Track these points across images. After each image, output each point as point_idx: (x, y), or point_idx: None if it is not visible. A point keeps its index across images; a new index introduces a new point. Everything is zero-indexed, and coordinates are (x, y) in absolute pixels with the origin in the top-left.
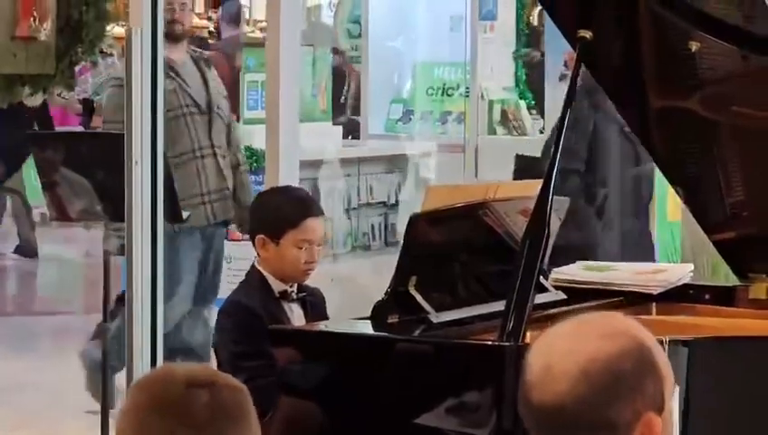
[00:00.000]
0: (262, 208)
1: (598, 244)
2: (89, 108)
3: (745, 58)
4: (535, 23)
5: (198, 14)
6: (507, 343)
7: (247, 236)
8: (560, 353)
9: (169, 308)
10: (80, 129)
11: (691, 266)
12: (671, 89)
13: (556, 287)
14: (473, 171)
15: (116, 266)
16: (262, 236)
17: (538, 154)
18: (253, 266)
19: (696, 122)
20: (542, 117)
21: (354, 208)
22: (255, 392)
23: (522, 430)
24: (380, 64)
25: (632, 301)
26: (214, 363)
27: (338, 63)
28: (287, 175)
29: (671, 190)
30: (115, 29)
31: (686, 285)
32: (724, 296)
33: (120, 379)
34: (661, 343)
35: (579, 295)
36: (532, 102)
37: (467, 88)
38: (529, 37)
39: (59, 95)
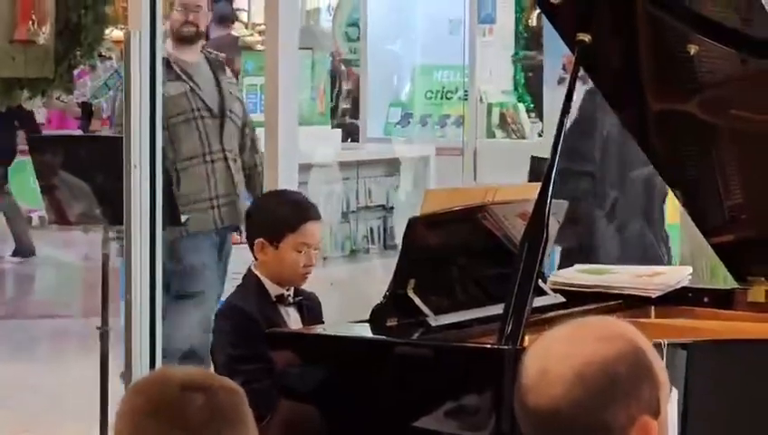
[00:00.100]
0: (260, 212)
1: (608, 248)
2: (87, 111)
3: (744, 61)
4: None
5: None
6: (506, 347)
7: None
8: (555, 357)
9: (197, 310)
10: (78, 132)
11: (689, 269)
12: (670, 92)
13: (555, 290)
14: (471, 174)
15: (114, 270)
16: (261, 239)
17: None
18: (249, 270)
19: (695, 125)
20: (541, 120)
21: (353, 212)
22: (252, 395)
23: (519, 434)
24: (379, 68)
25: (631, 304)
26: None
27: (332, 67)
28: (286, 178)
29: (670, 193)
30: (114, 32)
31: (684, 288)
32: (722, 299)
33: None
34: (660, 346)
35: (577, 299)
36: (531, 106)
37: (466, 91)
38: (528, 40)
39: (58, 99)
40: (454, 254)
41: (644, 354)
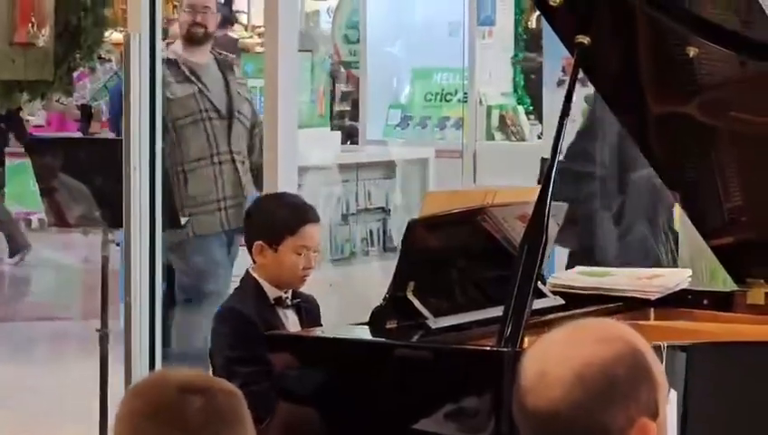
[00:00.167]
0: (259, 215)
1: (614, 250)
2: (87, 114)
3: (743, 64)
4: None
5: None
6: (505, 349)
7: None
8: (554, 359)
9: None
10: (78, 135)
11: (689, 272)
12: (669, 94)
13: (554, 292)
14: (471, 177)
15: (114, 272)
16: (260, 242)
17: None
18: (247, 273)
19: (694, 128)
20: (540, 122)
21: (352, 214)
22: (251, 397)
23: None
24: (379, 70)
25: (630, 306)
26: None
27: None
28: (285, 181)
29: None
30: (113, 35)
31: (684, 291)
32: (722, 302)
33: None
34: (659, 348)
35: (577, 301)
36: (531, 108)
37: (465, 93)
38: (527, 43)
39: (57, 101)
40: (453, 256)
41: (642, 356)
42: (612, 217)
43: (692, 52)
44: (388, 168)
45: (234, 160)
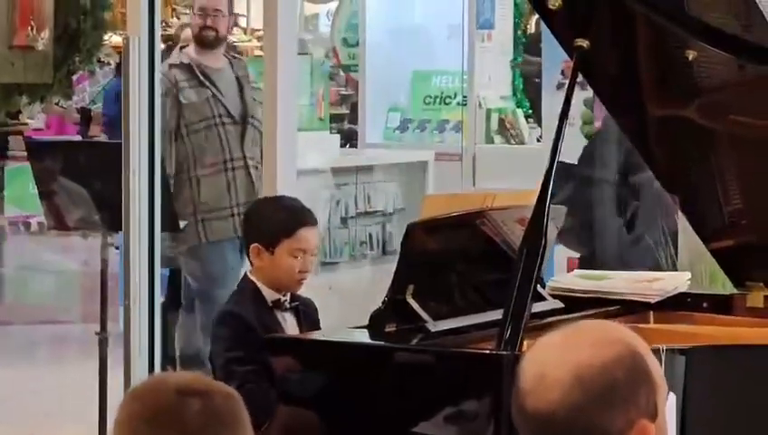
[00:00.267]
0: (256, 218)
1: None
2: (86, 117)
3: (742, 67)
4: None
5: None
6: (504, 352)
7: None
8: (553, 361)
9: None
10: (77, 138)
11: (688, 275)
12: (668, 97)
13: (553, 296)
14: (470, 180)
15: (114, 275)
16: (256, 245)
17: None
18: (245, 276)
19: (694, 131)
20: (539, 125)
21: (352, 217)
22: (248, 396)
23: None
24: (378, 73)
25: (630, 309)
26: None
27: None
28: (285, 184)
29: None
30: (113, 38)
31: (683, 294)
32: (721, 305)
33: None
34: (658, 351)
35: (576, 304)
36: (530, 111)
37: (465, 97)
38: (526, 46)
39: (57, 104)
40: (453, 259)
41: (641, 358)
42: (625, 223)
43: (691, 55)
44: (388, 171)
45: (247, 166)
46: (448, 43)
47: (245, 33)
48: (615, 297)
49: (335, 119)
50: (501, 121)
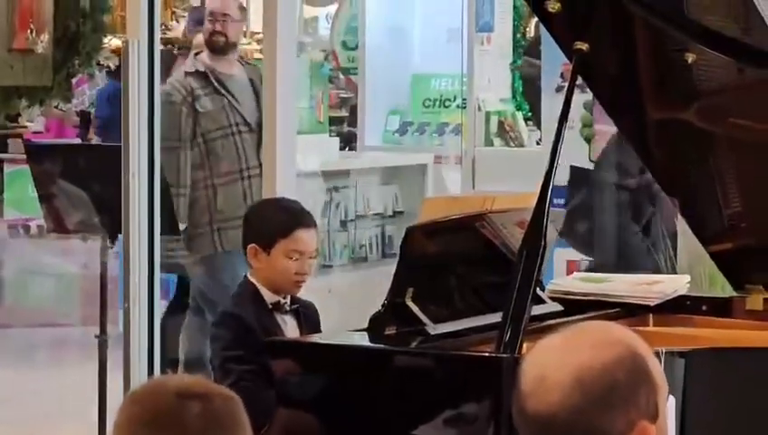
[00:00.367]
0: (255, 218)
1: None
2: (86, 120)
3: (741, 70)
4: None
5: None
6: (504, 355)
7: None
8: (554, 363)
9: None
10: (77, 141)
11: (688, 278)
12: (668, 100)
13: (553, 299)
14: (470, 183)
15: (113, 278)
16: (254, 245)
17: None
18: (245, 278)
19: (693, 134)
20: (539, 128)
21: (351, 220)
22: (244, 394)
23: None
24: (377, 76)
25: (629, 312)
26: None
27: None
28: (284, 187)
29: None
30: (112, 41)
31: (683, 297)
32: (720, 307)
33: None
34: (658, 354)
35: (576, 307)
36: (529, 114)
37: (464, 99)
38: (526, 49)
39: (56, 107)
40: (452, 262)
41: (642, 359)
42: (641, 228)
43: (690, 58)
44: (387, 174)
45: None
46: (448, 46)
47: (245, 36)
48: (614, 300)
49: (334, 122)
50: (500, 124)
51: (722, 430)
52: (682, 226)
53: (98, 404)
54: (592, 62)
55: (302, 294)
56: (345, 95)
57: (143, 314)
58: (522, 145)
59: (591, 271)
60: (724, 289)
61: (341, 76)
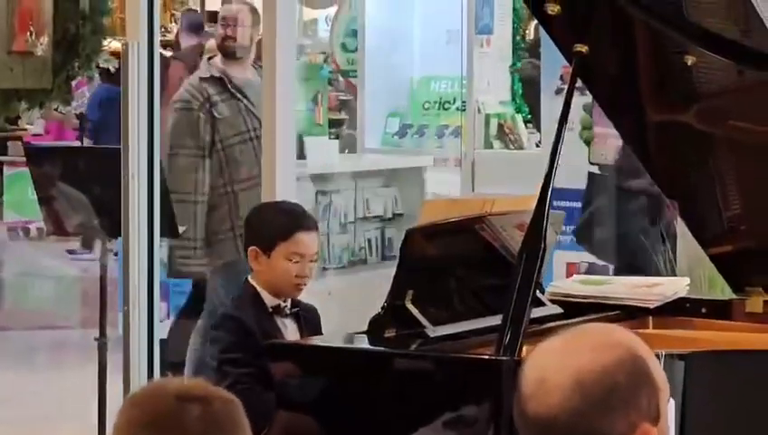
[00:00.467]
0: (255, 221)
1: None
2: (85, 123)
3: (741, 73)
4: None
5: None
6: (504, 358)
7: None
8: (554, 366)
9: None
10: (77, 143)
11: (687, 280)
12: (667, 102)
13: (553, 301)
14: (469, 185)
15: (113, 280)
16: (254, 248)
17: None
18: (246, 281)
19: (693, 136)
20: (539, 131)
21: (351, 223)
22: (241, 397)
23: None
24: (377, 78)
25: (629, 315)
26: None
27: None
28: (284, 189)
29: None
30: (112, 43)
31: (682, 299)
32: (720, 310)
33: None
34: (658, 356)
35: (575, 310)
36: (529, 116)
37: (464, 102)
38: (525, 51)
39: (56, 110)
40: (452, 265)
41: (643, 361)
42: (660, 233)
43: (690, 60)
44: (387, 176)
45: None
46: (447, 49)
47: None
48: (614, 302)
49: (334, 124)
50: (500, 127)
51: (722, 433)
52: (681, 228)
53: (97, 407)
54: (592, 65)
55: (302, 296)
56: (344, 97)
57: (143, 316)
58: (521, 147)
59: (591, 274)
60: (723, 291)
61: (341, 78)
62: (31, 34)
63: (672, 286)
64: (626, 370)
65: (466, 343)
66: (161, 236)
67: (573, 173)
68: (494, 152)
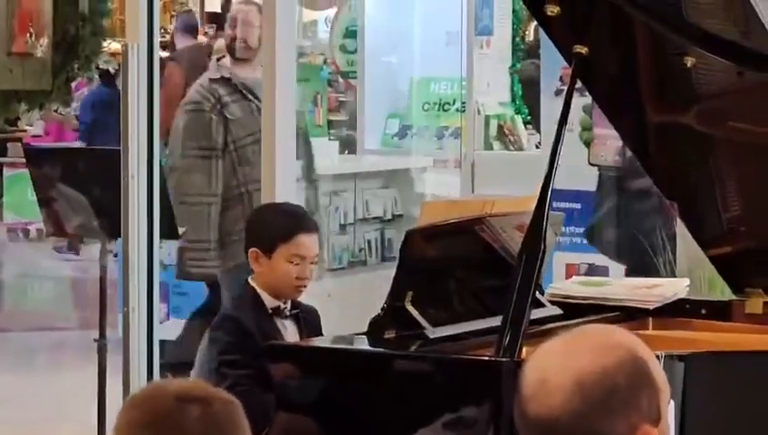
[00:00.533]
0: (256, 222)
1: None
2: None
3: (741, 74)
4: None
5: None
6: (503, 359)
7: None
8: (555, 367)
9: None
10: (76, 144)
11: (687, 281)
12: (667, 104)
13: (553, 303)
14: (469, 186)
15: (112, 281)
16: (255, 249)
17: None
18: (246, 282)
19: (692, 137)
20: (538, 132)
21: (350, 224)
22: (241, 399)
23: None
24: (376, 80)
25: (628, 316)
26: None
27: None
28: (283, 191)
29: None
30: (112, 45)
31: (682, 300)
32: (720, 311)
33: None
34: (657, 357)
35: (575, 311)
36: (529, 117)
37: (463, 103)
38: (525, 52)
39: (55, 111)
40: (451, 266)
41: (643, 362)
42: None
43: (690, 62)
44: (387, 177)
45: (297, 180)
46: (447, 50)
47: None
48: (614, 304)
49: (334, 125)
50: (500, 128)
51: (721, 434)
52: (681, 229)
53: (97, 408)
54: (592, 66)
55: (301, 297)
56: (344, 99)
57: (142, 317)
58: (521, 149)
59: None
60: (723, 293)
61: (341, 80)
62: (30, 36)
63: (672, 287)
64: (626, 371)
65: (466, 345)
66: (161, 237)
67: (573, 174)
68: (494, 153)
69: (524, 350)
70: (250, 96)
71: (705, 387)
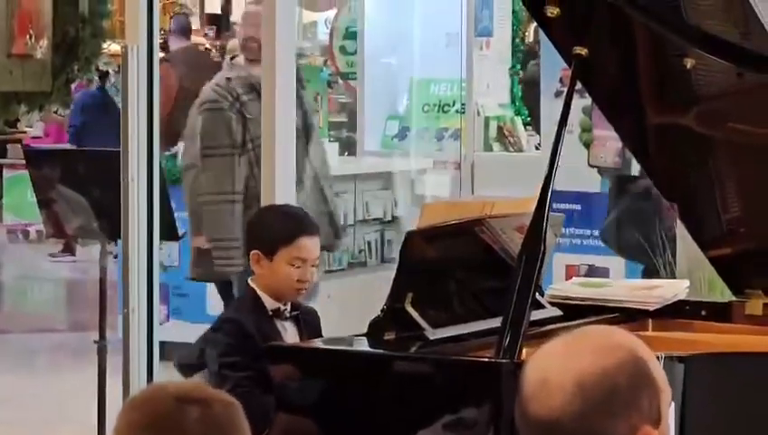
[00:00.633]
0: (257, 224)
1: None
2: None
3: (741, 75)
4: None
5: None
6: (503, 360)
7: None
8: (555, 368)
9: None
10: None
11: (687, 282)
12: (667, 105)
13: (552, 304)
14: (469, 188)
15: (112, 283)
16: (256, 251)
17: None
18: (247, 284)
19: (692, 138)
20: (538, 133)
21: (350, 225)
22: (242, 401)
23: None
24: (376, 81)
25: (628, 317)
26: None
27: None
28: (283, 193)
29: None
30: (111, 46)
31: (682, 301)
32: (720, 312)
33: None
34: (657, 359)
35: (575, 312)
36: (528, 119)
37: (463, 104)
38: (525, 54)
39: (55, 112)
40: (451, 267)
41: (644, 363)
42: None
43: (689, 63)
44: (386, 179)
45: (316, 177)
46: (447, 51)
47: None
48: (614, 305)
49: (333, 126)
50: (499, 129)
51: None
52: (681, 230)
53: (97, 409)
54: (591, 67)
55: (302, 299)
56: (344, 100)
57: (142, 319)
58: (521, 150)
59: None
60: (723, 294)
61: (340, 81)
62: (30, 37)
63: (672, 289)
64: (627, 372)
65: (466, 346)
66: (161, 239)
67: (573, 176)
68: (494, 155)
69: (524, 351)
70: None
71: (705, 388)
